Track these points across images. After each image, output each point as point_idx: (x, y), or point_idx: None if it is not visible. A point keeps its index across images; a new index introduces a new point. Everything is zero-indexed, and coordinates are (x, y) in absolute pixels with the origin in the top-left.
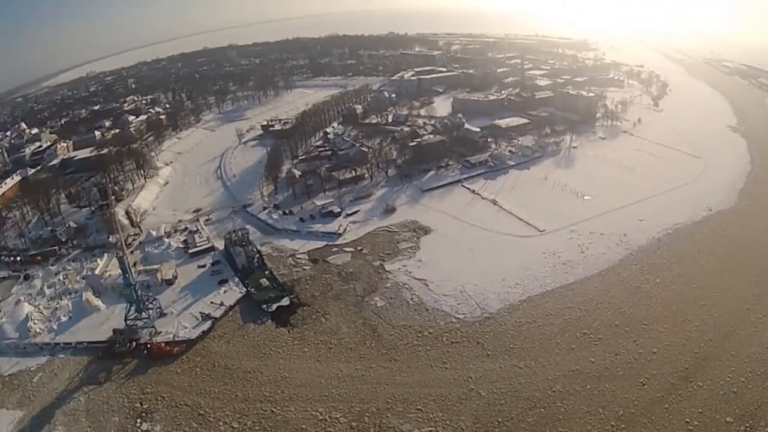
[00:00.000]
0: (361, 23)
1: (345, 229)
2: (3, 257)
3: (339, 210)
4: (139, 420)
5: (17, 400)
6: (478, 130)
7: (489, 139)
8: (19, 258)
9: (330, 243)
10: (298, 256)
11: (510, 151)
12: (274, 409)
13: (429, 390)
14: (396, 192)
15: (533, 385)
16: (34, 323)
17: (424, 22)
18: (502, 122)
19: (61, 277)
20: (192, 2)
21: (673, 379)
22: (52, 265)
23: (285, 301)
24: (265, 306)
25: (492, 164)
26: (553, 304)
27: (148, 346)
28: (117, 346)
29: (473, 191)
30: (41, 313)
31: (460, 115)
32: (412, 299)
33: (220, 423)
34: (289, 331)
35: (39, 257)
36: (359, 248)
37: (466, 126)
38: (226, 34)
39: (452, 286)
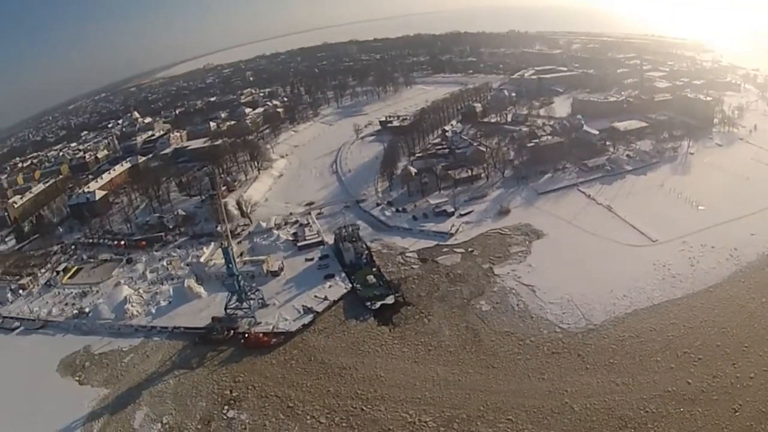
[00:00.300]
0: (481, 20)
1: (457, 230)
2: (107, 240)
3: (452, 210)
4: (226, 407)
5: (104, 379)
6: (597, 132)
7: (607, 143)
8: (123, 242)
9: (441, 243)
10: (407, 254)
11: (628, 155)
12: (364, 408)
13: (523, 401)
14: (511, 193)
15: (627, 404)
16: (132, 306)
17: (544, 20)
18: (621, 125)
19: (164, 263)
20: None
21: (767, 408)
22: (156, 251)
23: (389, 300)
24: (369, 303)
25: (609, 168)
26: (657, 320)
27: (246, 335)
28: (214, 333)
29: (589, 196)
30: (140, 296)
31: (579, 116)
32: (518, 305)
33: (308, 417)
34: (390, 330)
35: (144, 242)
36: (470, 249)
37: (585, 128)
38: (347, 29)
39: (559, 294)
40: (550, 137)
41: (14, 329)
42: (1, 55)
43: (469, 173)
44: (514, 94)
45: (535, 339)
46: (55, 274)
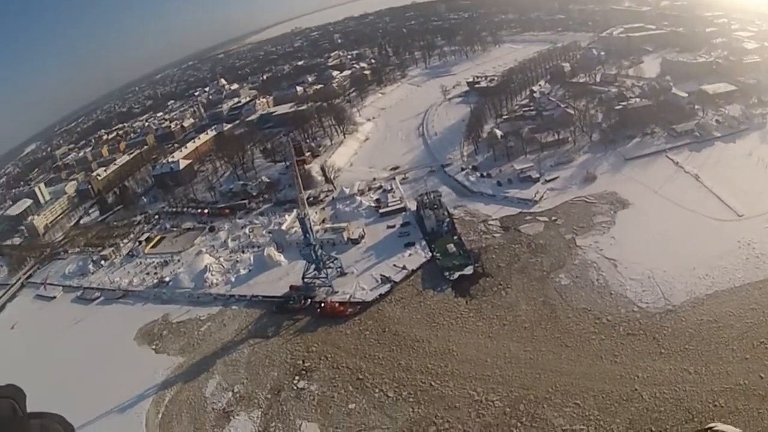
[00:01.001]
0: None
1: (541, 197)
2: (191, 209)
3: (538, 175)
4: (297, 377)
5: (180, 347)
6: (686, 95)
7: (696, 106)
8: (206, 210)
9: (524, 210)
10: (490, 222)
11: (717, 120)
12: (433, 383)
13: (592, 384)
14: (598, 159)
15: (697, 396)
16: (212, 274)
17: None
18: (710, 88)
19: (246, 231)
20: None
21: None
22: (239, 219)
23: (468, 270)
24: (447, 273)
25: (698, 134)
26: (737, 303)
27: (322, 304)
28: (291, 302)
29: (676, 163)
30: (221, 265)
31: (668, 77)
32: (597, 280)
33: (376, 390)
34: (467, 302)
35: (227, 210)
36: (553, 218)
37: (674, 90)
38: None
39: (641, 270)
40: (638, 100)
41: (95, 299)
42: (86, 29)
43: (556, 137)
44: (603, 53)
45: (612, 318)
46: (137, 243)
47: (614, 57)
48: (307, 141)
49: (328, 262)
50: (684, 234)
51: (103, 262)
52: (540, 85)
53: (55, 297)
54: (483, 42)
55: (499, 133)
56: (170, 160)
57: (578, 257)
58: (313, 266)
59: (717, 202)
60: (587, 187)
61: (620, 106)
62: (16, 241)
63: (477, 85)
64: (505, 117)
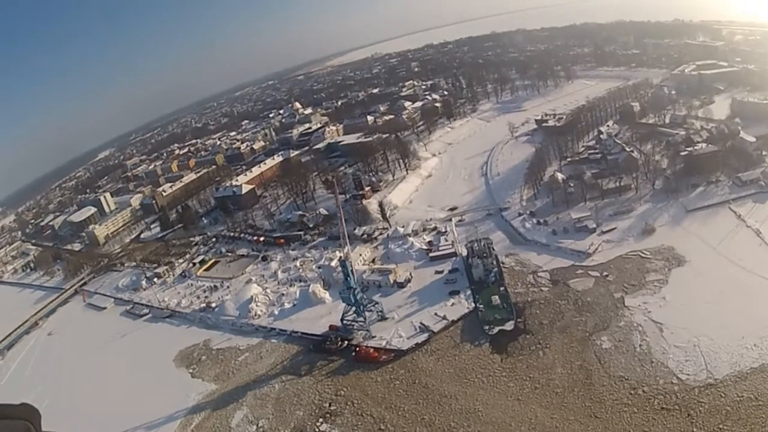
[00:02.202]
0: (647, 8)
1: (596, 249)
2: (248, 235)
3: (594, 226)
4: (321, 420)
5: (216, 374)
6: (754, 140)
7: (764, 152)
8: (262, 238)
9: (576, 263)
10: (539, 273)
11: None
12: None
13: None
14: (659, 209)
15: None
16: (257, 305)
17: (708, 8)
18: None
19: (297, 263)
20: None
21: None
22: (292, 250)
23: (509, 326)
24: (487, 327)
25: (763, 184)
26: None
27: (357, 348)
28: (328, 342)
29: (739, 216)
30: (267, 296)
31: (737, 119)
32: (640, 346)
33: None
34: (502, 360)
35: (282, 240)
36: (605, 273)
37: (741, 135)
38: (516, 17)
39: (687, 337)
40: (705, 145)
41: (143, 315)
42: (180, 39)
43: (618, 184)
44: (673, 92)
45: (649, 389)
46: (191, 265)
47: (685, 96)
48: (370, 174)
49: (368, 305)
50: (738, 297)
51: (156, 279)
52: (608, 125)
53: (105, 308)
54: (556, 77)
55: (560, 176)
56: (234, 183)
57: (624, 318)
58: (352, 308)
59: None
60: (644, 240)
61: (686, 152)
62: (76, 247)
63: (545, 124)
64: (569, 159)
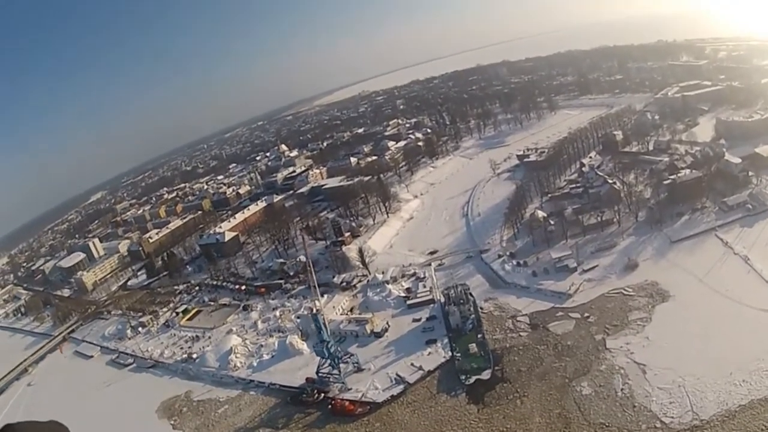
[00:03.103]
0: (631, 32)
1: (576, 289)
2: (230, 284)
3: (575, 265)
4: None
5: (196, 426)
6: (739, 161)
7: (750, 173)
8: (244, 287)
9: (557, 305)
10: (519, 318)
11: None
12: None
13: None
14: (642, 242)
15: None
16: (236, 356)
17: (692, 27)
18: (765, 149)
19: (277, 313)
20: (470, 17)
21: None
22: (272, 299)
23: (486, 375)
24: (463, 377)
25: (750, 207)
26: None
27: (332, 401)
28: (304, 395)
29: (726, 243)
30: (246, 347)
31: (722, 140)
32: (622, 390)
33: None
34: (478, 411)
35: (263, 289)
36: (586, 315)
37: (726, 156)
38: (501, 49)
39: (671, 378)
40: (688, 171)
41: (127, 365)
42: (174, 79)
43: (600, 219)
44: (657, 117)
45: None
46: (174, 314)
47: (669, 120)
48: (350, 219)
49: (344, 357)
50: (725, 330)
51: (140, 328)
52: (590, 156)
53: (92, 356)
54: (539, 108)
55: (541, 214)
56: (217, 230)
57: (605, 362)
58: (327, 361)
59: (766, 289)
60: (627, 277)
61: (669, 180)
62: (66, 292)
63: (526, 159)
64: (550, 195)
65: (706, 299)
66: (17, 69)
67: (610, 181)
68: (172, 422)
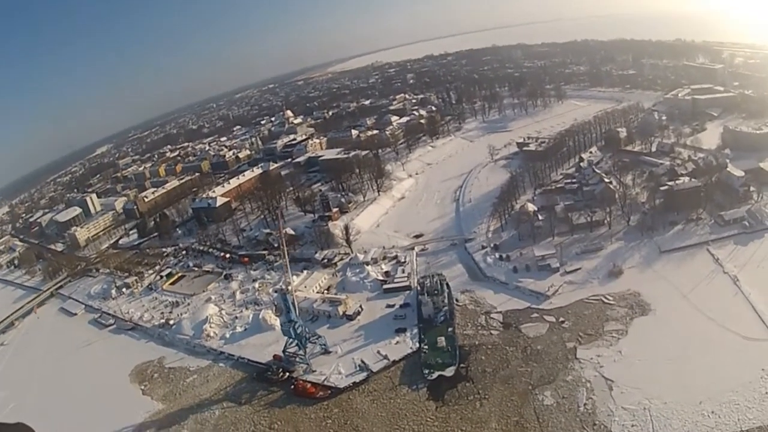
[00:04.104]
0: (650, 27)
1: (555, 291)
2: (216, 251)
3: (557, 265)
4: None
5: (164, 394)
6: (741, 174)
7: (751, 188)
8: (228, 255)
9: (533, 306)
10: (493, 314)
11: None
12: None
13: None
14: (630, 249)
15: None
16: (211, 326)
17: (712, 28)
18: None
19: (256, 285)
20: None
21: None
22: (254, 270)
23: (449, 372)
24: (426, 371)
25: (747, 224)
26: None
27: (295, 382)
28: (269, 372)
29: (717, 260)
30: (222, 317)
31: (727, 150)
32: (585, 405)
33: None
34: (437, 408)
35: (246, 259)
36: (561, 320)
37: (729, 168)
38: (519, 31)
39: (638, 398)
40: (687, 179)
41: (108, 325)
42: (188, 35)
43: (590, 218)
44: (664, 118)
45: None
46: (158, 278)
47: (676, 122)
48: (342, 194)
49: (311, 338)
50: (702, 355)
51: (125, 289)
52: (591, 152)
53: (76, 314)
54: (546, 96)
55: (531, 207)
56: (210, 194)
57: (573, 372)
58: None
59: (752, 315)
60: (609, 284)
61: (667, 186)
62: (59, 247)
63: (526, 147)
64: (543, 188)
65: (687, 318)
66: (25, 22)
67: (606, 180)
68: (143, 387)
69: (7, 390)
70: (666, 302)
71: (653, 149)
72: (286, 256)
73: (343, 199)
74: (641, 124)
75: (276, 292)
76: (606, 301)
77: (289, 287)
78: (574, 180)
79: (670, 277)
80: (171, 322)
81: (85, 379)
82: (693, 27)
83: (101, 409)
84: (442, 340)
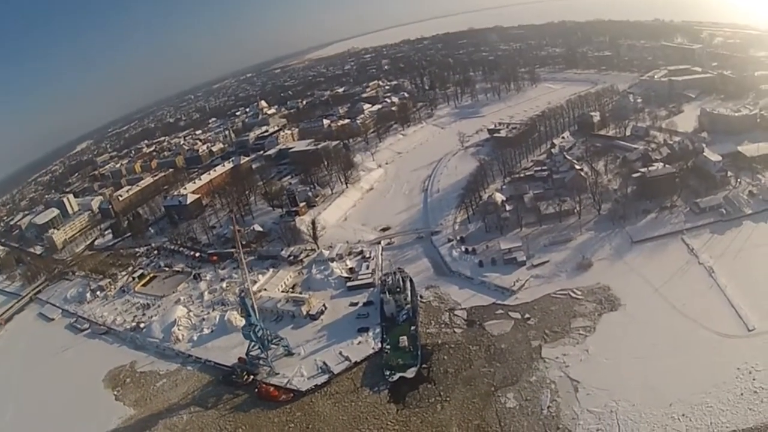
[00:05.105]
0: (630, 6)
1: (522, 286)
2: (187, 249)
3: (524, 258)
4: None
5: (135, 399)
6: (719, 159)
7: (729, 173)
8: (198, 254)
9: (498, 302)
10: (457, 311)
11: (750, 192)
12: None
13: None
14: (601, 239)
15: None
16: (179, 329)
17: (694, 7)
18: (748, 149)
19: (224, 285)
20: None
21: None
22: (222, 269)
23: (410, 373)
24: (388, 373)
25: (724, 211)
26: None
27: (259, 385)
28: (234, 376)
29: (691, 250)
30: (189, 319)
31: (704, 134)
32: (548, 408)
33: None
34: (397, 411)
35: (215, 257)
36: (526, 316)
37: (705, 153)
38: (497, 13)
39: (604, 401)
40: (661, 165)
41: (83, 330)
42: (164, 26)
43: (558, 208)
44: (639, 100)
45: None
46: (130, 279)
47: (653, 104)
48: (309, 187)
49: (274, 340)
50: (673, 353)
51: (99, 292)
52: (563, 137)
53: (53, 319)
54: (519, 80)
55: (500, 197)
56: (181, 192)
57: (537, 372)
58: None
59: (727, 309)
60: (578, 277)
61: (639, 173)
62: (38, 249)
63: (496, 134)
64: (513, 176)
65: (658, 314)
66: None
67: (577, 167)
68: (116, 392)
69: None
70: (637, 297)
71: (627, 133)
72: (243, 262)
73: (310, 193)
74: (616, 107)
75: (242, 292)
76: (574, 295)
77: (249, 291)
78: (544, 167)
79: (642, 270)
80: (142, 325)
81: (60, 386)
82: (672, 7)
83: (76, 416)
84: (404, 340)
